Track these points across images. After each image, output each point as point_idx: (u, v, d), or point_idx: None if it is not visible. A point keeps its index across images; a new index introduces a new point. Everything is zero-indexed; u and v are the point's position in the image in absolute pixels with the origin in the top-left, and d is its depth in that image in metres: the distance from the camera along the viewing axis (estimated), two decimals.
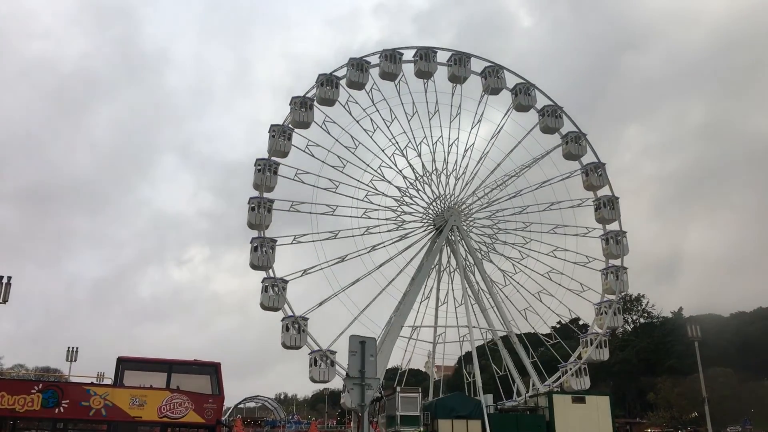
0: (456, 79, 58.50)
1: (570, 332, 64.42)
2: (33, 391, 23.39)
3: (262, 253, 50.22)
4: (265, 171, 52.42)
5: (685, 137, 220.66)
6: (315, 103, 55.11)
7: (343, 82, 56.00)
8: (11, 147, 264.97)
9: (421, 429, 42.99)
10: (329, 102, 55.47)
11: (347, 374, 45.64)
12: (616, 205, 58.35)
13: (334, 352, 49.71)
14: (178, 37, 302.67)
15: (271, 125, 53.83)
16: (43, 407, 23.19)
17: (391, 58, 56.61)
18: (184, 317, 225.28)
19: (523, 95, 59.67)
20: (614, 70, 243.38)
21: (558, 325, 66.82)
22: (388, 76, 56.74)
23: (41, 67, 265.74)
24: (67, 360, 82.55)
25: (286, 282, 50.53)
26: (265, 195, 52.11)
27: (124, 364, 25.11)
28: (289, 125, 54.37)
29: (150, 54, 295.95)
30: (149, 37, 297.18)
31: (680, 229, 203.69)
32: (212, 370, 25.77)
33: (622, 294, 59.52)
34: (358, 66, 55.74)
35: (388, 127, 57.10)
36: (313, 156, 54.88)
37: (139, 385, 24.85)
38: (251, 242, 50.76)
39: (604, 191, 59.19)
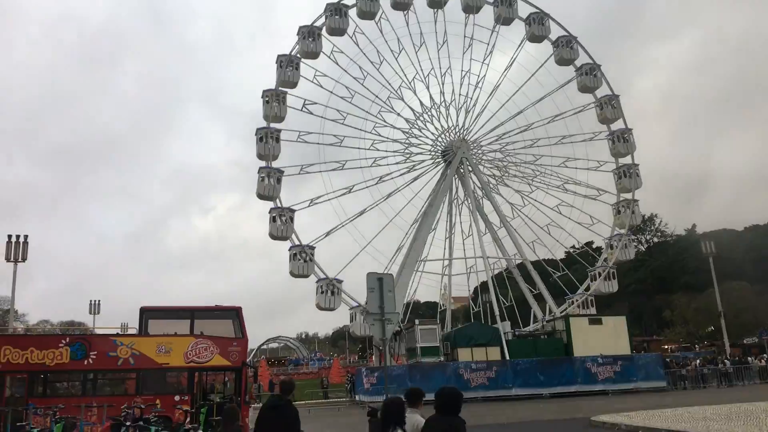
0: (470, 9, 56.95)
1: (585, 256, 64.75)
2: (61, 344, 23.93)
3: (269, 183, 50.05)
4: (273, 101, 51.65)
5: (713, 56, 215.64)
6: (323, 32, 53.99)
7: (353, 12, 54.63)
8: (41, 107, 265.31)
9: (442, 359, 43.83)
10: (339, 32, 54.16)
11: (367, 311, 46.41)
12: (630, 137, 57.36)
13: (340, 281, 50.03)
14: None
15: (278, 55, 52.80)
16: (72, 360, 23.76)
17: None
18: (213, 265, 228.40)
19: (537, 25, 57.99)
20: None
21: (573, 250, 66.96)
22: (400, 5, 55.27)
23: (67, 25, 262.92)
24: (90, 313, 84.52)
25: (294, 211, 50.45)
26: (274, 125, 51.52)
27: (147, 313, 25.60)
28: (297, 55, 53.27)
29: (173, 5, 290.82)
30: None
31: (703, 149, 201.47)
32: (234, 314, 26.20)
33: (633, 227, 59.27)
34: (337, 12, 54.13)
35: (396, 59, 55.97)
36: (321, 86, 54.01)
37: (164, 333, 25.36)
38: (259, 172, 50.39)
39: (618, 124, 58.28)
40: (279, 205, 50.18)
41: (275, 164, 51.24)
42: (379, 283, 14.63)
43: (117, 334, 25.68)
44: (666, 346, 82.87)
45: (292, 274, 49.37)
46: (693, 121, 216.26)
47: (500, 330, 46.19)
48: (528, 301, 54.80)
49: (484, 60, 58.17)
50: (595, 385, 42.08)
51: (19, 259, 52.14)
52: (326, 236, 51.58)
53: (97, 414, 22.94)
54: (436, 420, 6.67)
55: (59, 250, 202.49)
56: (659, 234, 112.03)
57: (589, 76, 57.92)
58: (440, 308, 63.04)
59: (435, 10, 57.02)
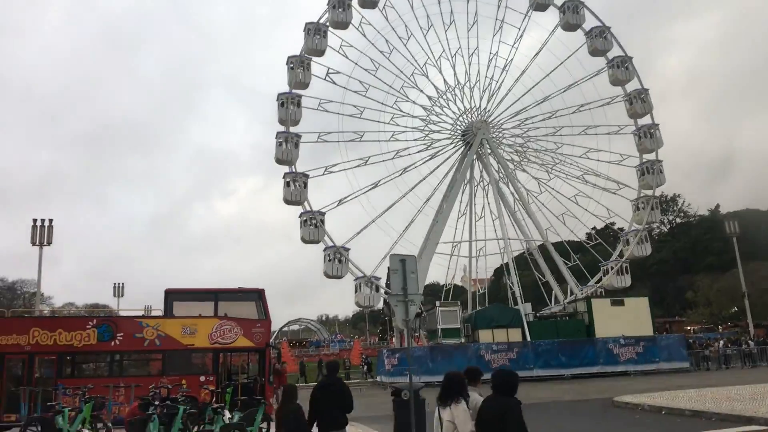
0: None
1: (606, 236, 64.24)
2: (88, 326, 24.35)
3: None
4: (288, 105, 51.18)
5: (739, 33, 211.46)
6: (354, 3, 53.47)
7: (354, 2, 53.91)
8: (65, 92, 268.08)
9: (463, 340, 43.99)
10: (343, 25, 53.34)
11: (388, 292, 46.48)
12: (657, 133, 56.27)
13: (347, 249, 49.91)
14: None
15: (288, 57, 52.20)
16: (99, 341, 24.19)
17: None
18: (234, 248, 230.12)
19: (571, 13, 56.85)
20: None
21: (593, 231, 66.47)
22: None
23: (90, 10, 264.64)
24: (114, 296, 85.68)
25: (323, 214, 50.19)
26: (291, 129, 51.07)
27: (171, 295, 25.92)
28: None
29: None
30: None
31: (728, 129, 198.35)
32: (257, 296, 26.49)
33: (660, 186, 58.34)
34: None
35: (424, 36, 55.45)
36: (346, 57, 53.57)
37: (188, 315, 25.70)
38: (276, 137, 50.20)
39: (645, 119, 57.24)
40: (294, 170, 49.93)
41: (294, 131, 50.98)
42: (402, 264, 14.64)
43: (143, 316, 26.09)
44: (689, 327, 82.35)
45: (303, 240, 49.22)
46: (718, 100, 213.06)
47: (521, 311, 46.21)
48: (549, 283, 54.51)
49: (514, 44, 57.49)
50: (616, 366, 42.03)
51: (45, 243, 53.07)
52: (339, 204, 51.34)
53: (124, 394, 23.41)
54: (493, 399, 7.00)
55: (84, 234, 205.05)
56: (682, 214, 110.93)
57: (621, 69, 56.70)
58: (445, 288, 62.63)
59: None
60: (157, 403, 16.26)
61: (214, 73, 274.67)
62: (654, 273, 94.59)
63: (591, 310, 44.73)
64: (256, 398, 18.07)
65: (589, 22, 57.89)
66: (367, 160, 53.39)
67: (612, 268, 55.51)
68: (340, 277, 49.44)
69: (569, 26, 57.50)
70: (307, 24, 52.44)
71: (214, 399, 20.63)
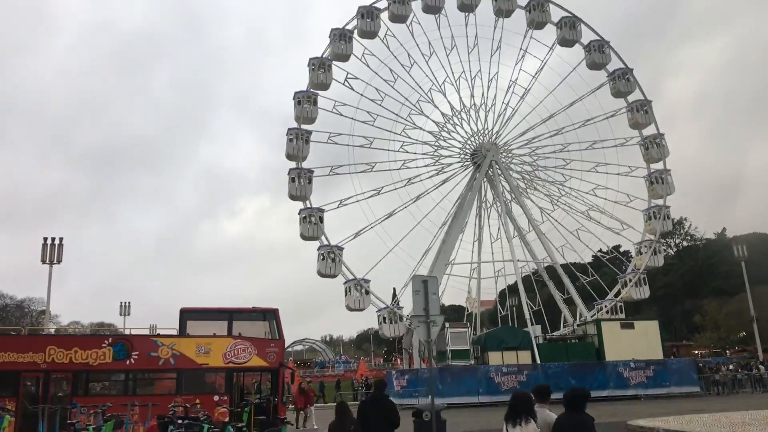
0: (501, 12, 57.07)
1: (612, 261, 64.20)
2: (104, 345, 24.41)
3: (299, 184, 50.56)
4: (304, 103, 52.24)
5: (746, 59, 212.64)
6: (355, 35, 54.45)
7: (384, 15, 55.05)
8: (76, 111, 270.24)
9: (472, 362, 43.89)
10: (370, 34, 54.60)
11: (394, 311, 46.63)
12: (663, 142, 57.01)
13: (368, 281, 50.35)
14: None
15: (310, 58, 53.35)
16: (114, 360, 24.23)
17: None
18: (241, 267, 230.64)
19: (568, 29, 57.83)
20: None
21: (600, 254, 66.62)
22: (431, 9, 55.64)
23: (103, 31, 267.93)
24: (120, 315, 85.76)
25: (323, 211, 50.95)
26: (305, 127, 52.10)
27: (186, 314, 26.01)
28: (328, 57, 53.80)
29: (207, 9, 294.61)
30: None
31: (734, 153, 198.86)
32: (271, 315, 26.56)
33: (664, 232, 58.81)
34: (369, 15, 54.70)
35: (426, 62, 56.27)
36: (351, 89, 54.45)
37: (202, 334, 25.78)
38: (289, 173, 50.98)
39: (650, 129, 57.82)
40: (309, 205, 50.58)
41: (304, 165, 51.72)
42: (424, 285, 14.84)
43: (158, 335, 26.13)
44: (696, 351, 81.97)
45: (320, 273, 49.77)
46: (724, 124, 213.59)
47: (531, 334, 46.13)
48: (558, 304, 54.49)
49: (516, 64, 58.19)
50: (627, 389, 41.82)
51: (55, 262, 53.25)
52: (355, 237, 51.95)
53: (138, 413, 23.42)
54: (567, 416, 7.49)
55: (91, 253, 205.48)
56: (689, 238, 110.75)
57: (622, 81, 57.54)
58: (466, 311, 62.85)
59: (466, 13, 57.13)
60: (179, 421, 16.34)
61: (225, 93, 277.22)
62: (661, 296, 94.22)
63: (601, 333, 44.61)
64: (279, 418, 18.14)
65: (587, 37, 58.81)
66: (380, 191, 54.12)
67: (630, 280, 55.74)
68: (333, 276, 50.08)
69: (567, 42, 58.39)
70: (311, 59, 53.60)
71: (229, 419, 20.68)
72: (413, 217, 53.67)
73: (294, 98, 52.81)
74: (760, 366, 48.40)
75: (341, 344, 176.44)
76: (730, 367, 49.89)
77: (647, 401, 39.39)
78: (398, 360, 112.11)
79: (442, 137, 56.71)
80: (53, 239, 53.41)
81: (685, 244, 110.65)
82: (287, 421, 17.44)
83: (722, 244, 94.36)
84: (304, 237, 50.14)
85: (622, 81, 57.63)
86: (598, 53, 57.88)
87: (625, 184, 58.65)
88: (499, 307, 61.42)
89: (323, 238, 50.31)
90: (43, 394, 23.34)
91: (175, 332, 26.12)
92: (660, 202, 57.08)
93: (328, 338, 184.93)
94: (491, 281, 59.78)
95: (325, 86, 53.69)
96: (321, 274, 49.85)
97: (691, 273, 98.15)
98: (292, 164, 51.31)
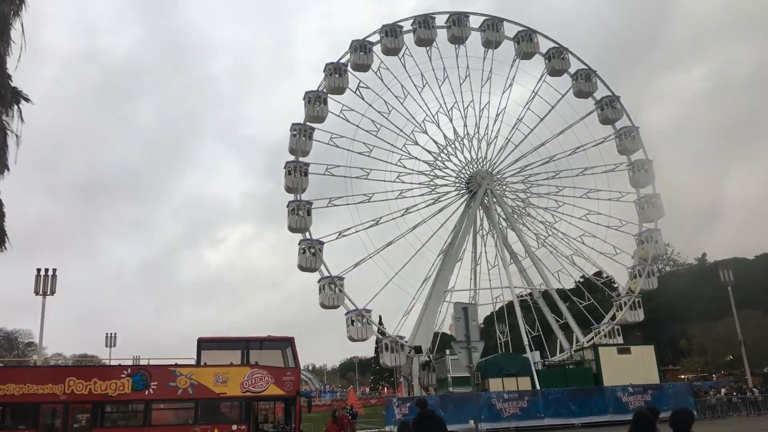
0: (489, 44, 58.49)
1: (594, 287, 64.91)
2: (123, 375, 24.55)
3: (298, 216, 51.11)
4: (301, 136, 53.18)
5: (724, 88, 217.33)
6: (349, 68, 55.56)
7: (377, 48, 56.26)
8: (62, 141, 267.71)
9: (473, 389, 44.08)
10: (363, 68, 55.78)
11: (396, 341, 46.84)
12: (650, 168, 58.57)
13: (369, 311, 50.78)
14: (219, 23, 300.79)
15: (306, 92, 54.37)
16: (133, 390, 24.38)
17: (425, 24, 56.71)
18: (225, 296, 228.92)
19: (557, 59, 59.46)
20: (660, 16, 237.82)
21: (581, 280, 67.31)
22: (423, 42, 56.88)
23: (90, 61, 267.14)
24: (106, 346, 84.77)
25: (323, 243, 51.47)
26: (301, 159, 52.87)
27: (202, 344, 26.23)
28: (324, 90, 54.82)
29: (194, 40, 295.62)
30: (192, 25, 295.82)
31: (712, 180, 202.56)
32: (286, 344, 26.91)
33: (658, 257, 60.13)
34: (392, 32, 56.09)
35: (419, 93, 57.44)
36: (347, 121, 55.37)
37: (219, 363, 25.98)
38: (288, 205, 51.54)
39: (639, 155, 59.39)
40: (309, 237, 51.00)
41: (304, 197, 52.31)
42: (464, 312, 15.32)
43: (176, 365, 26.25)
44: (683, 376, 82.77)
45: (322, 305, 50.03)
46: (704, 151, 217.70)
47: (530, 360, 46.55)
48: (554, 330, 55.13)
49: (504, 93, 59.50)
50: (626, 414, 42.06)
51: (48, 293, 52.84)
52: (354, 267, 52.31)
53: None
54: None
55: (73, 282, 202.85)
56: (671, 263, 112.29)
57: (609, 108, 59.12)
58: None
59: (456, 45, 58.45)
60: None
61: (210, 123, 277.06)
62: (646, 322, 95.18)
63: (598, 358, 45.11)
64: None
65: (575, 66, 60.44)
66: (371, 197, 54.87)
67: (625, 303, 56.85)
68: (335, 307, 50.47)
69: (555, 72, 59.92)
70: (306, 93, 54.58)
71: None
72: (411, 245, 54.46)
73: (291, 130, 53.66)
74: (754, 389, 49.17)
75: (325, 373, 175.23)
76: (723, 391, 50.53)
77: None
78: (384, 388, 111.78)
79: (437, 166, 57.65)
80: (47, 270, 53.05)
81: (668, 269, 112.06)
82: None
83: (705, 269, 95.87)
84: (302, 268, 50.57)
85: (609, 108, 59.26)
86: (585, 82, 59.53)
87: (617, 208, 60.00)
88: (499, 335, 61.43)
89: (323, 269, 50.73)
90: (62, 426, 23.37)
91: (188, 361, 26.36)
92: (651, 225, 58.25)
93: (311, 367, 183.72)
94: (489, 307, 60.43)
95: (321, 119, 54.61)
96: (324, 306, 50.15)
97: (676, 298, 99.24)
98: (291, 196, 51.81)
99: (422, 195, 56.62)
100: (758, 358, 70.40)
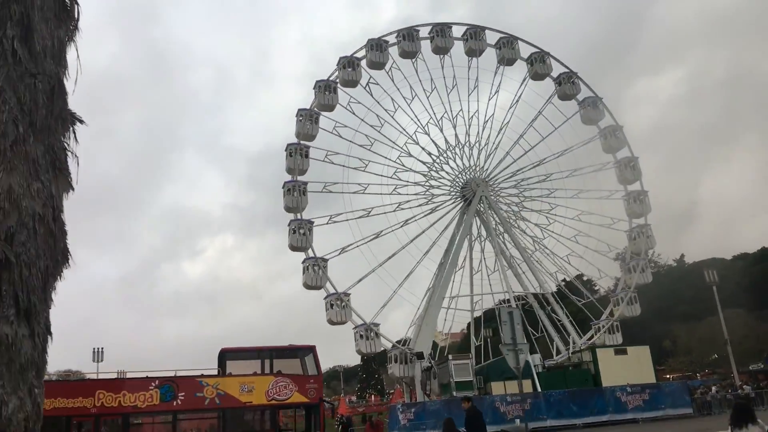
0: (472, 52, 59.53)
1: (574, 289, 65.84)
2: (151, 387, 24.87)
3: (300, 235, 51.68)
4: (296, 155, 53.76)
5: (700, 91, 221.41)
6: (338, 85, 56.31)
7: (363, 63, 57.12)
8: None
9: (475, 392, 44.86)
10: (352, 83, 56.60)
11: (409, 350, 47.45)
12: (637, 165, 60.05)
13: (377, 325, 51.49)
14: (199, 35, 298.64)
15: (299, 110, 54.99)
16: (161, 401, 24.73)
17: (409, 36, 57.62)
18: (206, 308, 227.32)
19: (539, 64, 60.70)
20: (637, 21, 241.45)
21: (563, 283, 68.28)
22: (407, 54, 57.81)
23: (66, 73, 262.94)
24: (93, 360, 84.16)
25: (326, 260, 52.04)
26: (298, 178, 53.44)
27: (226, 354, 26.67)
28: (315, 109, 55.49)
29: (174, 52, 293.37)
30: (172, 36, 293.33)
31: (688, 182, 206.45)
32: (308, 352, 27.42)
33: (650, 250, 61.60)
34: (377, 46, 56.90)
35: (409, 105, 58.35)
36: (340, 137, 56.24)
37: (243, 373, 26.42)
38: (289, 225, 52.13)
39: (623, 152, 60.87)
40: (313, 254, 51.67)
41: (303, 215, 53.11)
42: (510, 316, 16.05)
43: (202, 375, 26.63)
44: (668, 376, 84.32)
45: (330, 322, 50.57)
46: (680, 154, 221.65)
47: (531, 363, 47.39)
48: (549, 333, 56.15)
49: (490, 99, 60.48)
50: (625, 413, 43.20)
51: None
52: (359, 282, 52.98)
53: None
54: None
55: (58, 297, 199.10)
56: (652, 265, 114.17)
57: (592, 109, 60.63)
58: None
59: (441, 56, 59.36)
60: None
61: (191, 134, 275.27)
62: (628, 324, 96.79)
63: (596, 360, 46.23)
64: None
65: (557, 70, 61.87)
66: (370, 212, 55.81)
67: (622, 299, 58.77)
68: (343, 323, 51.11)
69: (538, 76, 61.11)
70: (299, 110, 55.32)
71: None
72: (412, 256, 55.38)
73: (286, 150, 54.35)
74: (745, 386, 50.54)
75: None
76: (713, 388, 51.81)
77: (645, 424, 40.87)
78: (371, 396, 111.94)
79: (432, 177, 58.55)
80: None
81: (650, 270, 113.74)
82: None
83: (685, 270, 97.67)
84: (308, 286, 51.16)
85: (592, 109, 60.72)
86: (567, 84, 60.95)
87: (608, 206, 61.37)
88: (472, 338, 62.22)
89: (328, 285, 51.46)
90: None
91: (212, 372, 26.77)
92: (641, 221, 59.73)
93: None
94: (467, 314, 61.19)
95: (313, 137, 55.27)
96: (332, 322, 50.66)
97: (658, 299, 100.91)
98: (292, 215, 52.59)
99: (419, 206, 57.53)
100: (742, 356, 72.05)
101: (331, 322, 50.48)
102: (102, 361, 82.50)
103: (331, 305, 50.39)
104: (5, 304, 13.40)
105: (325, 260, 51.88)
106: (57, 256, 14.44)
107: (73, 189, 15.02)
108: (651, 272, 63.37)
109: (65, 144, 15.21)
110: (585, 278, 72.81)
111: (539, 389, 44.55)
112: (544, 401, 43.07)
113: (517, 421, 35.75)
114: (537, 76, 61.20)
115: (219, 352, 26.93)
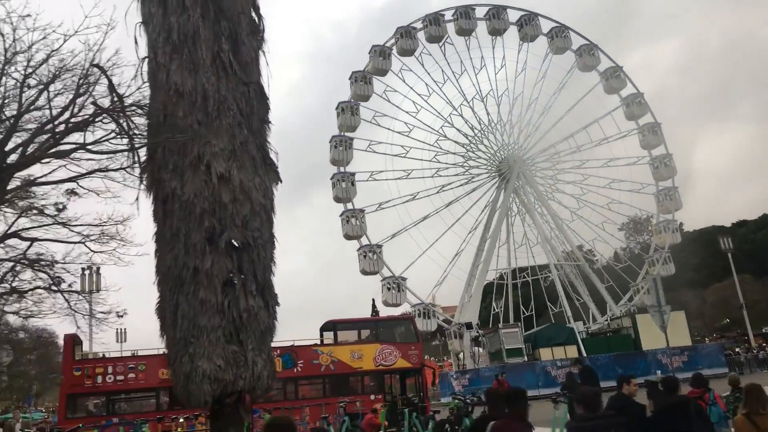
0: (496, 32, 60.98)
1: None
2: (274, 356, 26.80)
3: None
4: (347, 112, 55.84)
5: (695, 60, 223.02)
6: (394, 52, 58.31)
7: (421, 34, 59.10)
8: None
9: (525, 359, 47.40)
10: (408, 53, 58.59)
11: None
12: (659, 130, 62.23)
13: (405, 279, 54.00)
14: None
15: (352, 72, 56.91)
16: (284, 368, 26.71)
17: (435, 21, 59.11)
18: None
19: (560, 38, 62.33)
20: None
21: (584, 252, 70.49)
22: (463, 32, 59.53)
23: None
24: (116, 341, 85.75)
25: (363, 211, 54.54)
26: (347, 134, 55.76)
27: (337, 325, 28.83)
28: (369, 71, 57.42)
29: None
30: None
31: (684, 151, 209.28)
32: (408, 322, 29.62)
33: (677, 210, 64.20)
34: (435, 21, 58.95)
35: (457, 80, 60.57)
36: (389, 101, 58.44)
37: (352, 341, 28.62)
38: (341, 215, 54.33)
39: (646, 119, 62.83)
40: (368, 242, 53.98)
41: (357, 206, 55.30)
42: (654, 283, 18.23)
43: (316, 344, 28.66)
44: None
45: (362, 272, 53.17)
46: (674, 123, 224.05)
47: (575, 329, 49.96)
48: (587, 302, 58.56)
49: (517, 77, 62.06)
50: (667, 374, 45.87)
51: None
52: (392, 238, 55.68)
53: (309, 414, 26.00)
54: None
55: None
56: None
57: (614, 78, 62.59)
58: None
59: (494, 37, 61.29)
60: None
61: None
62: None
63: (636, 325, 48.76)
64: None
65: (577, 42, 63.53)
66: (409, 173, 58.17)
67: (657, 260, 61.36)
68: (375, 273, 53.44)
69: (559, 50, 62.74)
70: (353, 72, 57.01)
71: None
72: (444, 222, 58.02)
73: (337, 108, 56.40)
74: (765, 346, 53.52)
75: None
76: (737, 350, 54.68)
77: (686, 383, 43.52)
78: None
79: (471, 149, 60.52)
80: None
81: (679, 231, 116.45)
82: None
83: (687, 239, 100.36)
84: (365, 272, 53.30)
85: (614, 79, 62.59)
86: (588, 56, 62.65)
87: (635, 171, 63.70)
88: (521, 307, 63.55)
89: (385, 270, 53.63)
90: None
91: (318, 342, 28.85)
92: (668, 184, 62.70)
93: None
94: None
95: (366, 98, 57.14)
96: (364, 272, 53.27)
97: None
98: (341, 206, 54.64)
99: (456, 175, 59.69)
100: (754, 319, 74.96)
101: (364, 272, 53.02)
102: (125, 341, 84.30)
103: (388, 288, 52.53)
104: (248, 280, 15.53)
105: (363, 211, 54.43)
106: (273, 240, 16.55)
107: (281, 181, 17.05)
108: (679, 233, 65.75)
109: (269, 142, 17.25)
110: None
111: (585, 354, 47.01)
112: (591, 365, 45.53)
113: (658, 372, 38.33)
114: (558, 51, 62.71)
115: (326, 323, 28.93)
